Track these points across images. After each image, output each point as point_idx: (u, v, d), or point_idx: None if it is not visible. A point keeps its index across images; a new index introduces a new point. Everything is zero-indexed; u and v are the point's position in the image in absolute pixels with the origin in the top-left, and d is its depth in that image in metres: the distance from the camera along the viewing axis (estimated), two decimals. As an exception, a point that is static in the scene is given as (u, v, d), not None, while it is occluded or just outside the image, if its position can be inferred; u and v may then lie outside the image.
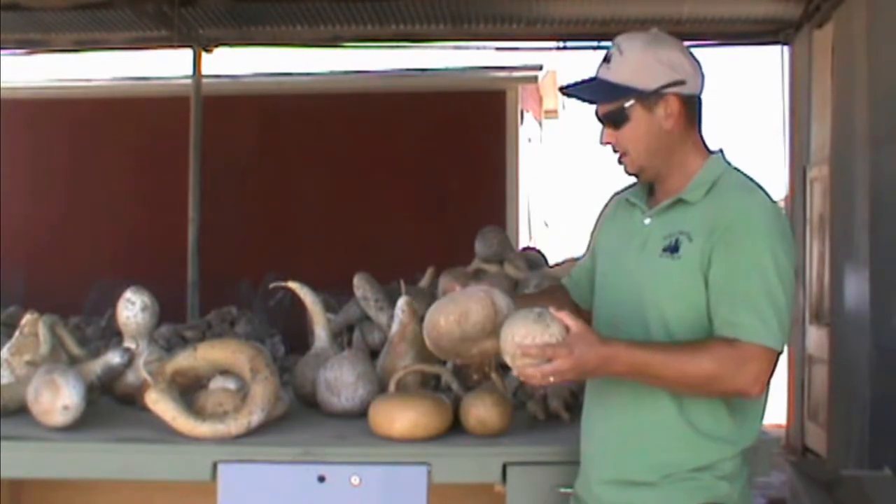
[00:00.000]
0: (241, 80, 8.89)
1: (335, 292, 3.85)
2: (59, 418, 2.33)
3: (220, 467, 2.23)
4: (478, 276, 3.49)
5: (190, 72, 7.60)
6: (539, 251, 3.83)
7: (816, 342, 6.72)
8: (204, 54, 7.60)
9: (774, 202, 1.88)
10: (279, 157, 8.99)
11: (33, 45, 7.82)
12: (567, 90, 1.96)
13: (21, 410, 2.46)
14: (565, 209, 14.42)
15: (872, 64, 5.31)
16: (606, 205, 2.12)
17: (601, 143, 1.95)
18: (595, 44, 7.46)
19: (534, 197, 10.88)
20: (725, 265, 1.80)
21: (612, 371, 1.78)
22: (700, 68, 1.92)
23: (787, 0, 6.78)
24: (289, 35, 7.64)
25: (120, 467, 2.27)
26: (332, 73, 8.92)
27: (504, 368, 2.86)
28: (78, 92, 9.11)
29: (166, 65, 8.52)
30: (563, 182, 14.85)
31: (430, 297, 3.38)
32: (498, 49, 8.24)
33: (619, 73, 1.88)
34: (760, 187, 1.90)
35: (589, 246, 2.20)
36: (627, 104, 1.88)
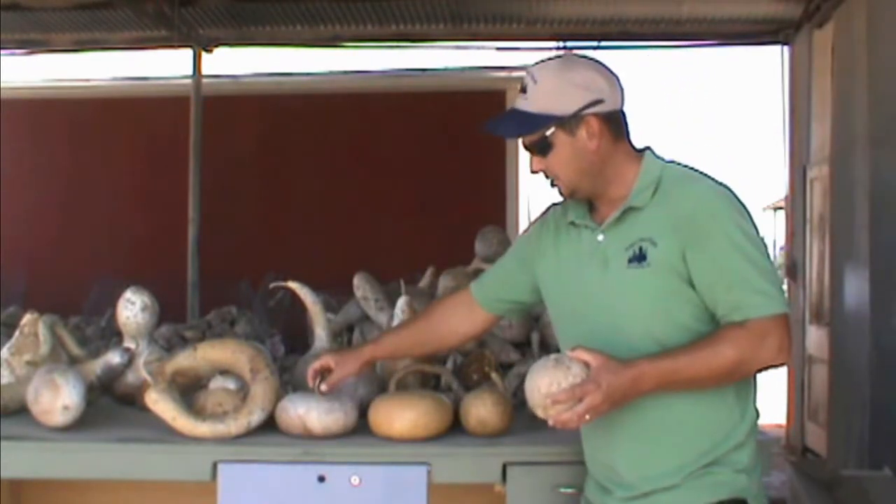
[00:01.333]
0: (241, 80, 8.88)
1: (335, 292, 3.85)
2: (59, 418, 2.33)
3: (220, 467, 2.23)
4: (478, 275, 3.49)
5: (190, 72, 7.59)
6: (539, 251, 3.82)
7: (816, 342, 6.71)
8: (204, 54, 7.60)
9: (720, 183, 1.90)
10: (279, 158, 8.98)
11: (33, 45, 7.81)
12: (488, 128, 1.97)
13: (21, 410, 2.46)
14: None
15: (872, 64, 5.31)
16: (542, 220, 2.10)
17: (531, 171, 1.95)
18: (595, 44, 7.45)
19: (534, 197, 10.88)
20: (705, 257, 1.81)
21: (643, 390, 1.79)
22: (618, 82, 1.93)
23: (787, 0, 6.78)
24: (289, 35, 7.64)
25: (120, 467, 2.27)
26: (332, 73, 8.92)
27: (504, 368, 2.87)
28: (78, 92, 9.10)
29: (166, 65, 8.52)
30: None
31: (430, 297, 3.38)
32: (498, 49, 8.24)
33: (536, 103, 1.88)
34: (702, 173, 1.92)
35: (512, 252, 2.18)
36: (549, 132, 1.88)
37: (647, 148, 1.96)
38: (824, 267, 6.48)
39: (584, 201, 1.98)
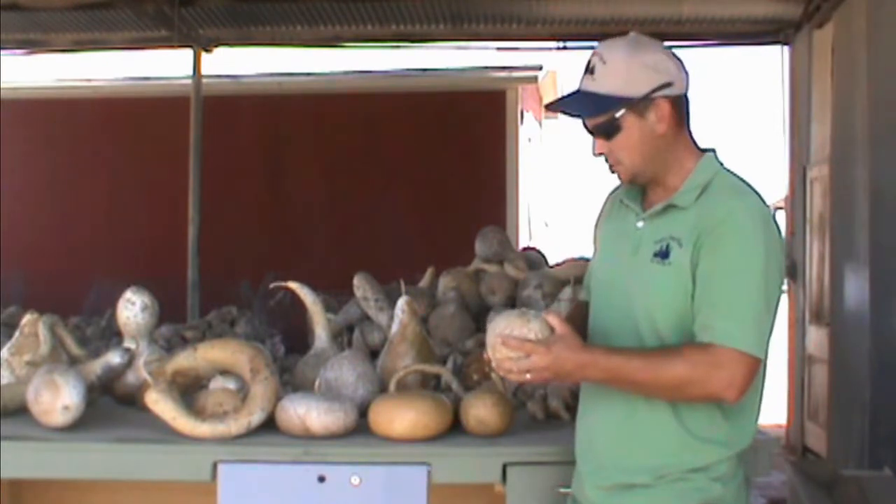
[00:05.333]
0: (241, 80, 8.88)
1: (335, 292, 3.85)
2: (59, 418, 2.33)
3: (220, 467, 2.23)
4: (478, 275, 3.50)
5: (190, 72, 7.59)
6: (539, 251, 3.83)
7: (816, 342, 6.71)
8: (204, 54, 7.60)
9: (766, 206, 1.86)
10: (279, 157, 8.99)
11: (33, 45, 7.81)
12: (553, 106, 1.94)
13: (21, 410, 2.46)
14: (565, 209, 14.41)
15: (872, 64, 5.31)
16: (603, 206, 2.11)
17: (594, 154, 1.93)
18: (595, 44, 7.43)
19: (534, 197, 10.87)
20: (708, 266, 1.79)
21: (590, 376, 1.81)
22: (683, 66, 1.90)
23: (787, 0, 6.78)
24: (289, 35, 7.64)
25: (120, 467, 2.27)
26: (332, 73, 8.92)
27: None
28: (78, 92, 9.10)
29: (166, 65, 8.52)
30: (563, 182, 14.85)
31: (430, 297, 3.38)
32: (498, 49, 8.24)
33: (606, 84, 1.86)
34: (754, 190, 1.88)
35: (594, 251, 2.20)
36: (619, 114, 1.86)
37: (713, 150, 1.94)
38: (824, 267, 6.48)
39: (639, 186, 1.97)
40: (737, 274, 1.77)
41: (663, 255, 1.84)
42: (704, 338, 1.77)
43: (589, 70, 1.89)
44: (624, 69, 1.85)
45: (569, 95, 1.94)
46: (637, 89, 1.84)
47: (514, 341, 1.76)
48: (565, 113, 1.94)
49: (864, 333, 5.26)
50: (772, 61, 9.76)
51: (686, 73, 1.91)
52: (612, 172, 1.94)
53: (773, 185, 8.23)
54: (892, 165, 4.99)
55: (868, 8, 5.44)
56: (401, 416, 2.27)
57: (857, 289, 5.51)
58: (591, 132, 1.92)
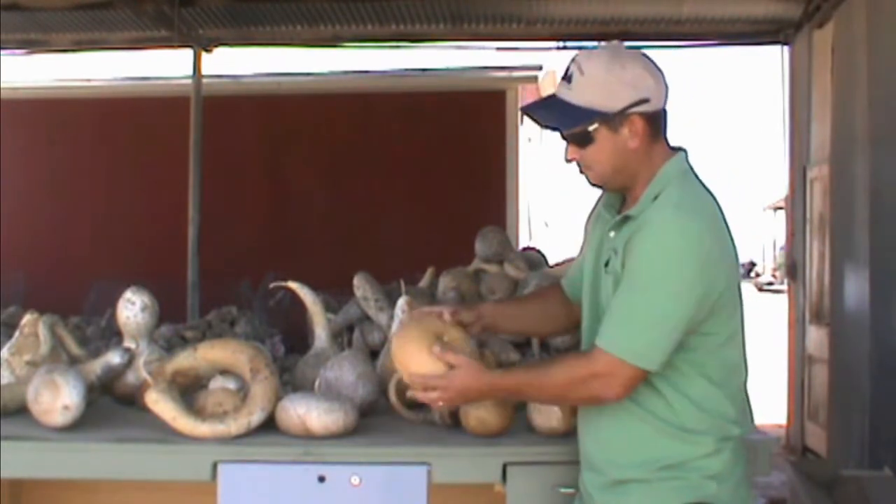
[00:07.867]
0: (241, 80, 8.88)
1: (335, 292, 3.85)
2: (59, 418, 2.33)
3: (220, 467, 2.23)
4: (478, 275, 3.50)
5: (190, 72, 7.59)
6: (539, 251, 3.84)
7: (816, 342, 6.71)
8: (204, 54, 7.60)
9: (704, 221, 1.83)
10: (279, 157, 8.99)
11: (33, 45, 7.81)
12: (528, 111, 1.95)
13: (21, 410, 2.46)
14: (565, 209, 14.41)
15: (872, 64, 5.31)
16: (594, 207, 2.12)
17: (565, 160, 1.95)
18: (595, 44, 7.45)
19: (534, 197, 10.88)
20: (623, 275, 1.83)
21: (500, 394, 1.99)
22: (663, 79, 1.89)
23: (787, 0, 6.78)
24: (289, 35, 7.64)
25: (120, 467, 2.27)
26: (332, 73, 8.92)
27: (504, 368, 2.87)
28: (78, 92, 9.10)
29: (166, 65, 8.52)
30: (563, 182, 14.84)
31: (430, 297, 3.39)
32: (498, 49, 8.24)
33: (582, 95, 1.85)
34: (704, 201, 1.87)
35: (582, 245, 2.22)
36: (592, 127, 1.86)
37: (680, 150, 1.93)
38: (824, 267, 6.47)
39: (618, 192, 1.99)
40: (638, 283, 1.79)
41: (607, 264, 1.90)
42: (596, 341, 1.82)
43: (566, 77, 1.88)
44: (602, 82, 1.85)
45: (544, 100, 1.95)
46: (613, 104, 1.85)
47: (418, 379, 1.93)
48: (539, 122, 1.94)
49: (864, 333, 5.26)
50: (772, 61, 9.77)
51: (666, 87, 1.90)
52: (582, 174, 1.97)
53: (773, 185, 8.24)
54: (892, 165, 4.99)
55: (868, 8, 5.44)
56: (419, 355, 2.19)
57: (857, 289, 5.51)
58: (564, 138, 1.94)
